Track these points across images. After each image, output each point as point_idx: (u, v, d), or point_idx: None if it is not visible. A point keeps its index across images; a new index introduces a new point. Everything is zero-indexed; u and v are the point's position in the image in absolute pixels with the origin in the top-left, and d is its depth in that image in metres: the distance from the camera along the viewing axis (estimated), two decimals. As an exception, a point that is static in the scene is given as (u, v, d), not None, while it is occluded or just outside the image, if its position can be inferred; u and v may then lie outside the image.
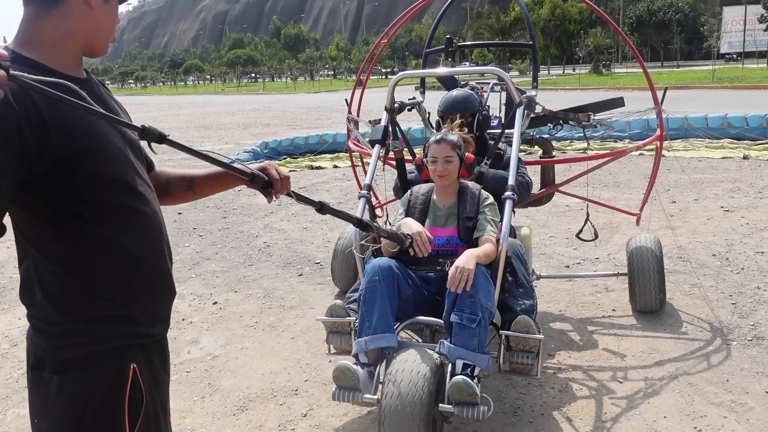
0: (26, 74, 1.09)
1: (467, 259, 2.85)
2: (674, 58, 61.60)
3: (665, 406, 3.16)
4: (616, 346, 3.83)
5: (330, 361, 3.78)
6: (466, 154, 3.23)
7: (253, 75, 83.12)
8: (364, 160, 5.82)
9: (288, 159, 12.11)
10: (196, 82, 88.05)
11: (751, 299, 4.41)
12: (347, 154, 12.14)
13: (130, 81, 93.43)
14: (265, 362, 3.84)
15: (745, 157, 9.99)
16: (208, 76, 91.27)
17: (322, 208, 1.94)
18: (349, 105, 4.92)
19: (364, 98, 5.67)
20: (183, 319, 4.53)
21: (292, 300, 4.85)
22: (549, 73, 45.63)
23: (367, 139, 3.38)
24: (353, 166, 5.83)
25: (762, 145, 10.64)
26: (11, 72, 1.05)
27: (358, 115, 5.13)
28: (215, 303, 4.85)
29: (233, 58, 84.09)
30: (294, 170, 11.10)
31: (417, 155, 3.48)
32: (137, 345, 1.42)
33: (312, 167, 11.32)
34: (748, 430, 2.93)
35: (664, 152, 8.13)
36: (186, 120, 24.36)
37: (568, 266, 5.31)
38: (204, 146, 15.26)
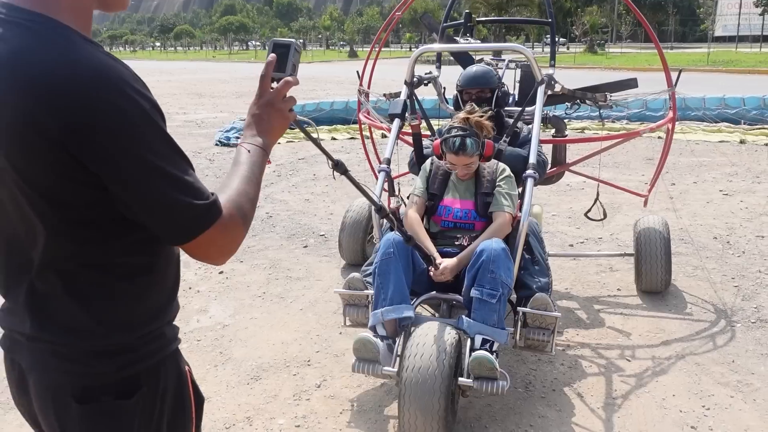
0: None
1: (457, 264, 3.00)
2: (668, 39, 61.45)
3: (673, 385, 3.22)
4: (622, 325, 3.89)
5: (341, 333, 3.82)
6: (486, 142, 3.21)
7: (245, 42, 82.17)
8: (374, 133, 5.81)
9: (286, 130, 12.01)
10: (187, 48, 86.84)
11: (753, 282, 4.48)
12: (345, 126, 12.15)
13: (119, 45, 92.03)
14: (275, 333, 3.87)
15: (742, 141, 10.06)
16: (198, 43, 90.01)
17: (337, 166, 1.88)
18: (361, 77, 4.88)
19: (373, 71, 5.63)
20: (190, 288, 4.53)
21: (298, 271, 4.87)
22: (543, 51, 45.42)
23: (387, 113, 3.37)
24: (363, 138, 5.80)
25: (759, 129, 10.70)
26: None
27: (368, 88, 5.10)
28: (221, 272, 4.85)
29: (225, 24, 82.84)
30: (291, 141, 11.03)
31: (435, 140, 3.46)
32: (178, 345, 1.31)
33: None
34: (754, 409, 3.00)
35: (659, 134, 8.11)
36: (179, 87, 24.07)
37: (572, 245, 5.35)
38: (199, 114, 15.13)
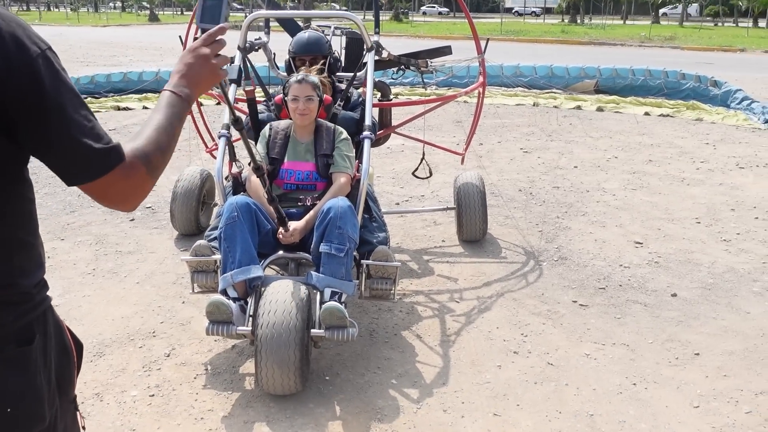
0: None
1: (305, 225, 3.15)
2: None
3: (496, 319, 3.65)
4: (449, 272, 4.28)
5: (183, 303, 3.80)
6: (324, 96, 3.37)
7: (24, 1, 73.63)
8: (202, 101, 5.66)
9: (89, 99, 11.16)
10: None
11: (553, 227, 5.12)
12: (156, 95, 11.56)
13: None
14: (113, 308, 3.74)
15: (535, 104, 11.17)
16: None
17: (237, 122, 1.90)
18: (184, 43, 4.75)
19: (190, 36, 5.46)
20: (7, 271, 4.19)
21: (128, 246, 4.69)
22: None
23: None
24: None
25: (548, 93, 11.94)
26: None
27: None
28: (41, 252, 4.52)
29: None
30: (98, 111, 10.30)
31: (277, 95, 3.53)
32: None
33: (119, 108, 10.59)
34: (562, 332, 3.51)
35: (465, 99, 8.76)
36: None
37: (398, 203, 5.70)
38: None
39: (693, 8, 54.26)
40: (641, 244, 4.78)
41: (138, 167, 1.16)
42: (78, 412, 1.39)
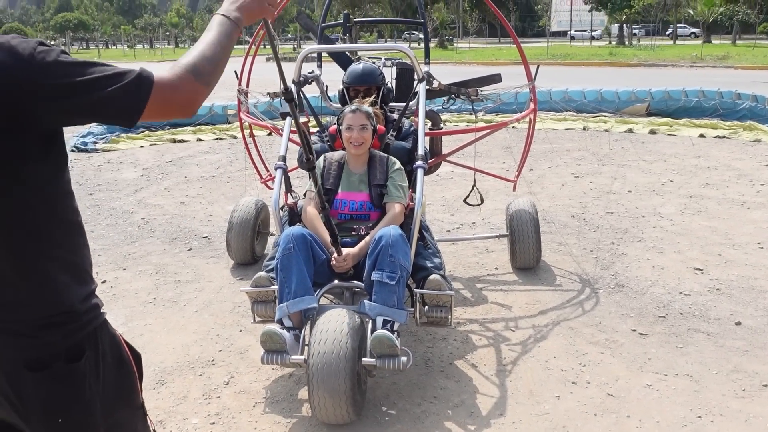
0: None
1: (358, 252, 3.18)
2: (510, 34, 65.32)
3: (553, 348, 3.60)
4: (503, 300, 4.25)
5: (241, 331, 3.86)
6: (378, 125, 3.43)
7: (85, 41, 77.03)
8: (255, 132, 5.82)
9: (146, 132, 11.55)
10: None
11: (608, 253, 5.03)
12: (209, 127, 11.91)
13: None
14: (173, 336, 3.83)
15: (585, 128, 11.06)
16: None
17: (287, 91, 1.95)
18: (240, 77, 4.90)
19: (245, 69, 5.64)
20: (72, 300, 4.34)
21: (186, 275, 4.81)
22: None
23: (279, 112, 3.46)
24: (244, 138, 5.79)
25: (598, 117, 11.81)
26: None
27: (247, 87, 5.13)
28: (104, 281, 4.69)
29: (62, 21, 77.22)
30: (155, 143, 10.66)
31: (331, 125, 3.61)
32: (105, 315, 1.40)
33: (174, 140, 10.93)
34: (621, 362, 3.44)
35: (514, 124, 8.79)
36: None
37: (449, 231, 5.70)
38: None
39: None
40: (701, 270, 4.65)
41: (186, 78, 1.25)
42: (147, 417, 1.47)
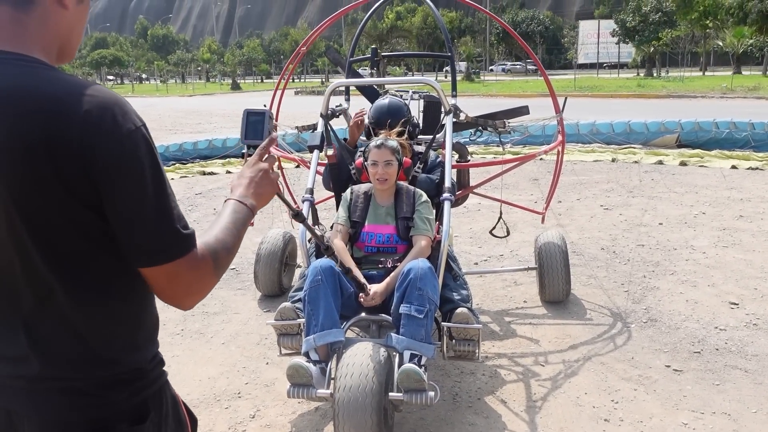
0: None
1: (386, 288, 3.15)
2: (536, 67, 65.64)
3: (584, 384, 3.52)
4: (532, 334, 4.18)
5: (267, 364, 3.85)
6: (404, 158, 3.44)
7: (119, 76, 79.18)
8: (284, 164, 5.88)
9: (177, 165, 11.77)
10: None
11: (640, 287, 4.94)
12: (239, 160, 12.07)
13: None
14: (200, 368, 3.83)
15: (613, 160, 10.96)
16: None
17: (297, 215, 1.90)
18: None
19: (274, 103, 5.72)
20: (102, 331, 4.38)
21: (214, 306, 4.83)
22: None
23: (307, 145, 3.49)
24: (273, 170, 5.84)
25: (626, 148, 11.71)
26: None
27: (276, 120, 5.19)
28: (133, 313, 4.72)
29: (98, 58, 79.49)
30: (185, 176, 10.83)
31: (357, 158, 3.63)
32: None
33: (204, 173, 11.10)
34: (655, 399, 3.34)
35: (543, 157, 8.71)
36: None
37: (476, 263, 5.65)
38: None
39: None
40: (737, 305, 4.53)
41: (207, 260, 1.18)
42: None
